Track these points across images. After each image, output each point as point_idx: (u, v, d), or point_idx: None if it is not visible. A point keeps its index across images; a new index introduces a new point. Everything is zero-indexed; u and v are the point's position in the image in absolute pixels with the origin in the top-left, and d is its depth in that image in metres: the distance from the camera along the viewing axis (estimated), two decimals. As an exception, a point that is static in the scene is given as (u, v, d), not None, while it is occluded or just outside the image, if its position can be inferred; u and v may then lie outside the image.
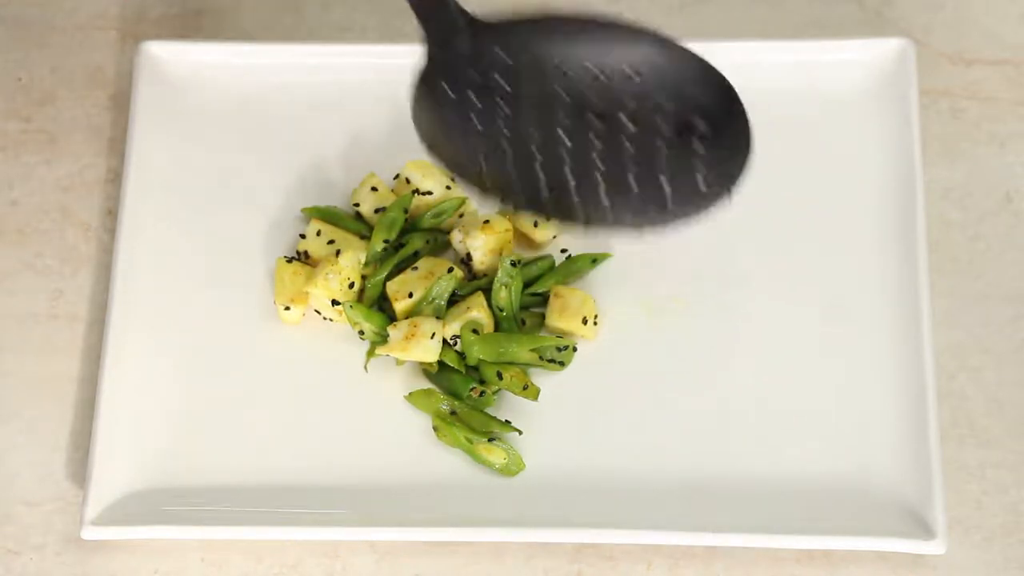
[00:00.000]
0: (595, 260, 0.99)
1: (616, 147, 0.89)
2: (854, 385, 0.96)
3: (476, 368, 0.96)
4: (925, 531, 0.91)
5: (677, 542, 0.91)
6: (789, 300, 0.98)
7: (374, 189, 1.00)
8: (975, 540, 0.93)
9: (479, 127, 0.89)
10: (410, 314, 0.96)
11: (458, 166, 0.91)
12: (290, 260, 0.99)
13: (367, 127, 1.03)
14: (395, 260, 0.98)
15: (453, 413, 0.95)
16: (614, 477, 0.94)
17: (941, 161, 1.03)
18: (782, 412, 0.95)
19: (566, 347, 0.96)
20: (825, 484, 0.93)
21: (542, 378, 0.97)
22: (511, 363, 0.96)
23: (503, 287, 0.97)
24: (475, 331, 0.95)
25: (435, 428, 0.95)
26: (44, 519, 0.95)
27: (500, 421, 0.95)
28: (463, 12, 0.87)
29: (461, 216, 1.00)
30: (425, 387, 0.96)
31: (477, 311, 0.96)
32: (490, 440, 0.94)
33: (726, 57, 1.03)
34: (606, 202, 0.90)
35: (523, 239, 1.00)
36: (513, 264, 0.96)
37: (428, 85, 0.89)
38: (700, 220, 0.90)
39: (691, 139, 0.89)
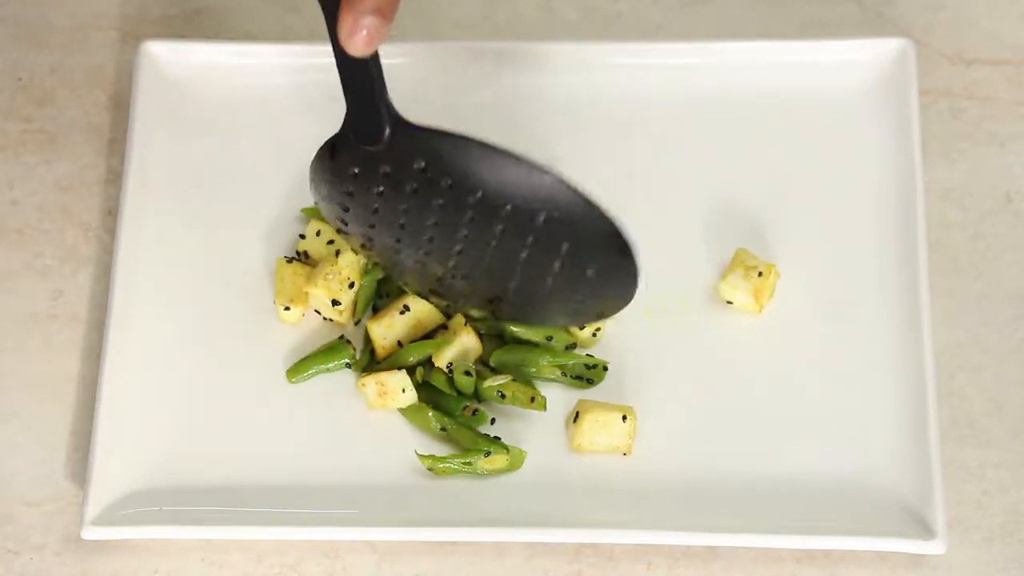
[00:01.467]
0: None
1: (506, 264, 0.91)
2: (854, 385, 0.96)
3: (475, 392, 0.96)
4: (925, 531, 0.91)
5: (677, 542, 0.91)
6: (789, 300, 0.98)
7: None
8: (975, 540, 0.93)
9: (374, 207, 0.90)
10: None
11: (345, 232, 0.94)
12: (290, 260, 0.99)
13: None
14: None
15: (443, 430, 0.95)
16: (615, 477, 0.94)
17: (941, 161, 1.03)
18: (782, 412, 0.95)
19: (595, 365, 0.96)
20: (825, 484, 0.93)
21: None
22: (531, 380, 0.96)
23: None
24: (467, 373, 0.95)
25: (429, 469, 0.94)
26: (44, 519, 0.95)
27: (489, 439, 0.94)
28: (392, 112, 0.87)
29: None
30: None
31: (465, 335, 0.96)
32: (486, 455, 0.94)
33: (726, 57, 1.04)
34: (485, 295, 0.93)
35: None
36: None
37: (335, 154, 0.90)
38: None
39: (579, 279, 0.91)
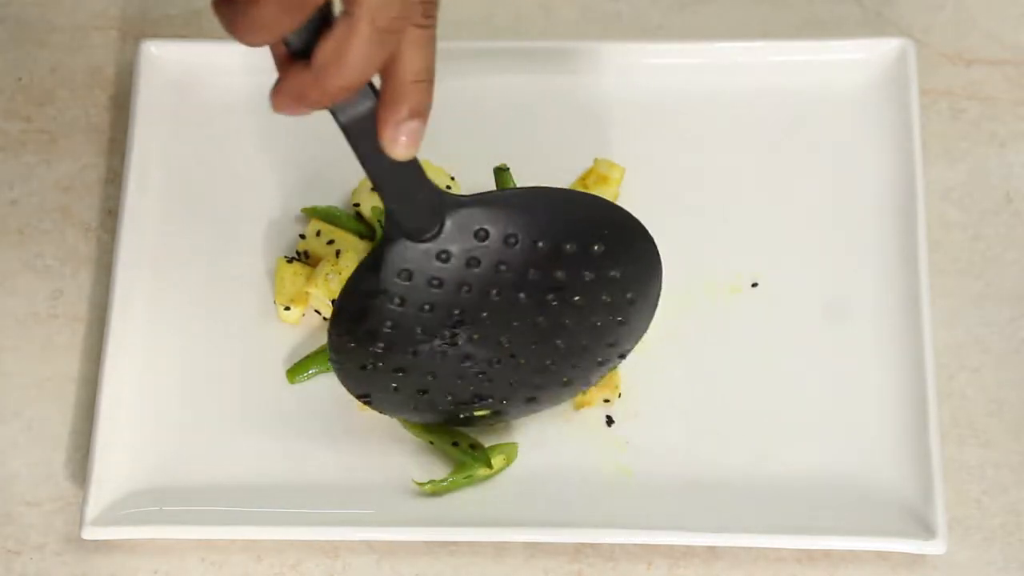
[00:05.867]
0: None
1: (558, 319, 0.89)
2: (854, 385, 0.96)
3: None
4: (925, 531, 0.91)
5: (677, 542, 0.92)
6: (789, 300, 0.98)
7: (374, 189, 1.00)
8: (975, 540, 0.93)
9: (426, 305, 0.87)
10: None
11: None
12: (290, 260, 0.99)
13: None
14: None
15: (432, 442, 0.95)
16: (615, 477, 0.94)
17: (941, 161, 1.03)
18: (782, 412, 0.95)
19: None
20: (825, 484, 0.93)
21: (542, 378, 0.97)
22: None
23: None
24: None
25: (432, 493, 0.94)
26: (44, 519, 0.95)
27: (473, 454, 0.94)
28: (440, 193, 0.84)
29: None
30: None
31: None
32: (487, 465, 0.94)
33: (726, 57, 1.04)
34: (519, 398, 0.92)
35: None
36: None
37: (381, 264, 0.86)
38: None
39: (618, 312, 0.90)
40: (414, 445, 0.95)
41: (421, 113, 0.77)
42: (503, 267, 0.86)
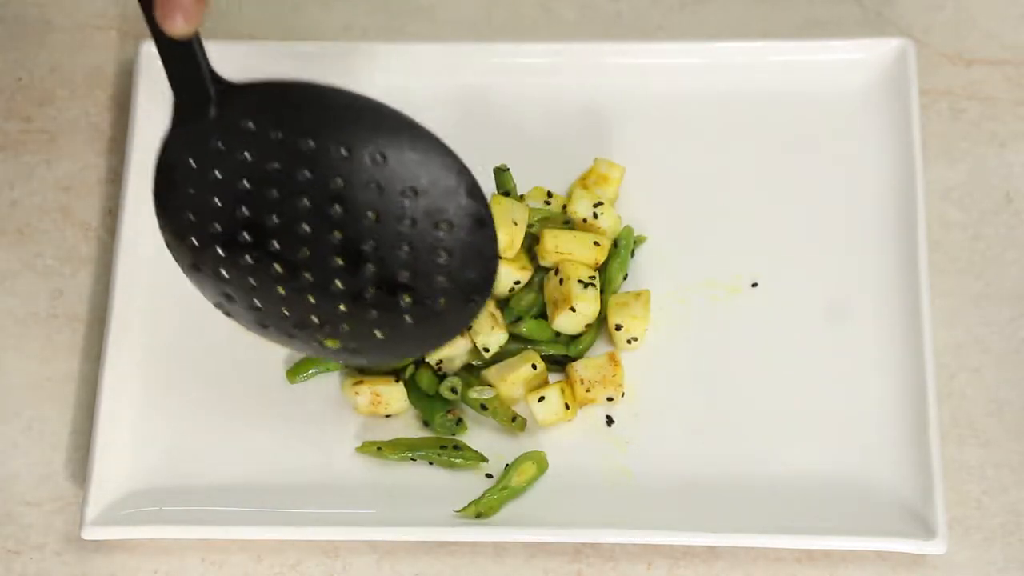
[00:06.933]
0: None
1: (356, 235, 0.83)
2: (854, 385, 0.96)
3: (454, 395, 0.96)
4: (925, 531, 0.91)
5: (677, 542, 0.91)
6: (789, 300, 0.98)
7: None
8: (975, 540, 0.93)
9: (218, 205, 0.84)
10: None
11: (194, 264, 0.87)
12: (290, 260, 0.99)
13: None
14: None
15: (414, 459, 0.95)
16: (615, 477, 0.94)
17: (941, 161, 1.03)
18: (782, 412, 0.95)
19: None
20: (825, 484, 0.93)
21: (542, 378, 0.97)
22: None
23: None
24: (453, 390, 0.95)
25: (478, 515, 0.93)
26: (44, 519, 0.95)
27: (463, 456, 0.94)
28: (216, 77, 0.83)
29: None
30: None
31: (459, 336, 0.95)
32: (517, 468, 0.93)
33: (726, 57, 1.04)
34: (344, 314, 0.86)
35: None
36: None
37: (173, 156, 0.84)
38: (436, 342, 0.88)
39: (433, 245, 0.83)
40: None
41: None
42: (276, 166, 0.83)
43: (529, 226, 0.98)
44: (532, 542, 0.93)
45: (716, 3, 1.09)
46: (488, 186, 1.00)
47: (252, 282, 0.86)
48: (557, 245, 0.97)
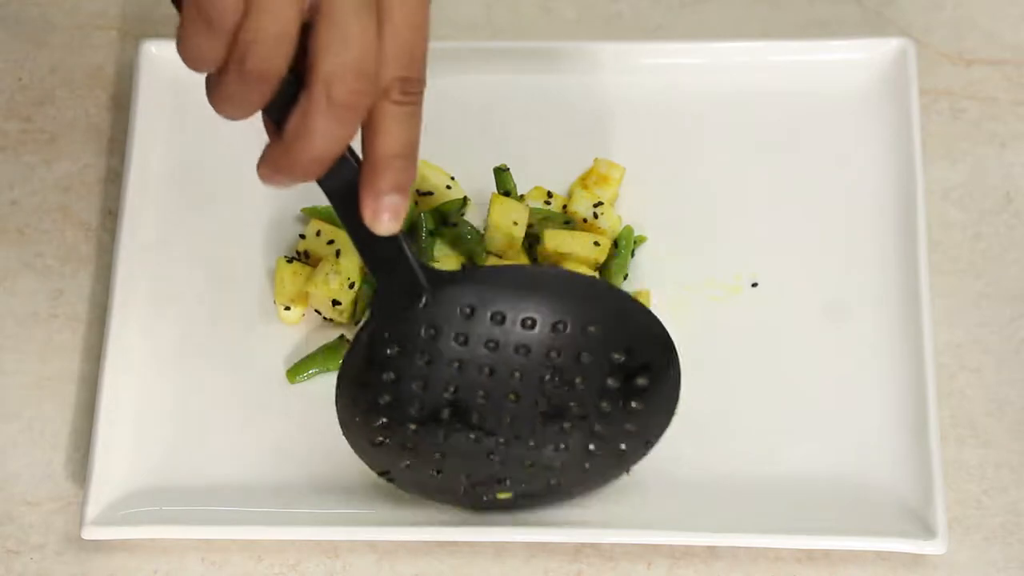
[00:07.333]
0: None
1: (560, 401, 0.87)
2: (854, 385, 0.96)
3: None
4: (925, 531, 0.91)
5: (677, 542, 0.92)
6: (788, 300, 0.98)
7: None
8: (975, 540, 0.93)
9: (421, 387, 0.86)
10: None
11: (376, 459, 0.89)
12: (290, 260, 0.99)
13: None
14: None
15: None
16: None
17: (941, 161, 1.03)
18: (782, 412, 0.95)
19: None
20: (825, 484, 0.93)
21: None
22: None
23: None
24: None
25: None
26: (44, 519, 0.95)
27: None
28: (424, 267, 0.83)
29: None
30: None
31: None
32: None
33: (726, 57, 1.04)
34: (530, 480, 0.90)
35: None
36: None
37: (377, 348, 0.85)
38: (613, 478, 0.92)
39: (630, 397, 0.88)
40: (414, 445, 0.95)
41: (401, 189, 0.76)
42: (491, 345, 0.85)
43: (529, 226, 0.98)
44: (532, 542, 0.93)
45: (716, 3, 1.09)
46: (488, 186, 1.00)
47: (437, 455, 0.89)
48: (557, 245, 0.97)
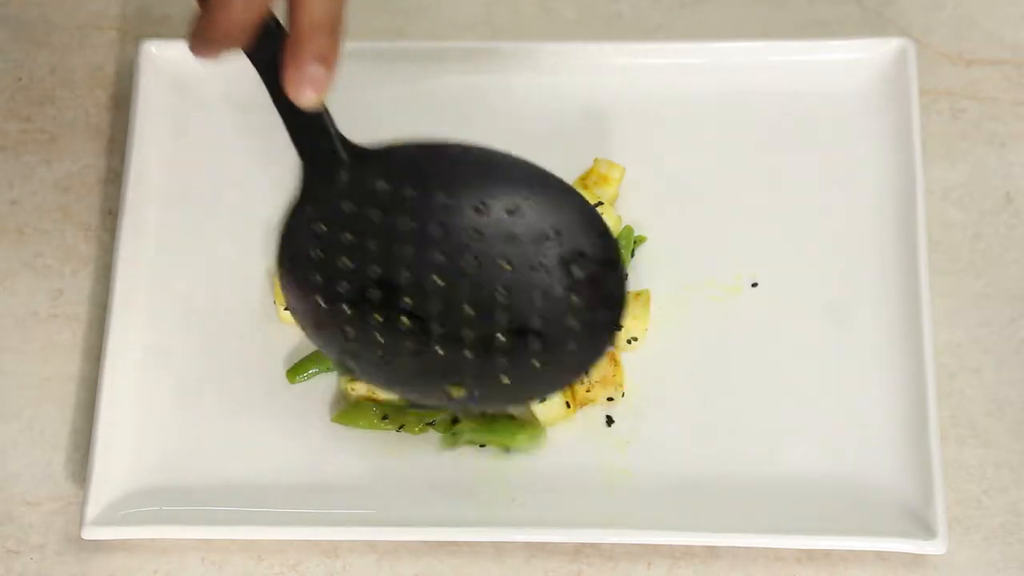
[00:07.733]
0: None
1: (491, 282, 0.86)
2: (854, 385, 0.96)
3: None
4: (925, 531, 0.91)
5: (677, 542, 0.92)
6: (789, 300, 0.98)
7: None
8: (975, 540, 0.93)
9: (350, 265, 0.86)
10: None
11: (317, 323, 0.87)
12: (290, 260, 0.99)
13: (367, 126, 1.03)
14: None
15: (385, 417, 0.95)
16: (615, 477, 0.94)
17: (941, 161, 1.03)
18: (782, 412, 0.95)
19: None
20: (825, 484, 0.93)
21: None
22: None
23: None
24: (454, 434, 0.95)
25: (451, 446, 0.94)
26: (44, 519, 0.95)
27: (453, 429, 0.94)
28: (345, 142, 0.84)
29: None
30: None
31: None
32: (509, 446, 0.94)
33: (726, 57, 1.04)
34: (472, 359, 0.87)
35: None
36: None
37: (298, 219, 0.85)
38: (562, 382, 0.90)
39: (569, 290, 0.86)
40: (416, 444, 0.95)
41: (324, 59, 0.77)
42: (413, 222, 0.84)
43: (529, 226, 0.98)
44: (532, 542, 0.93)
45: (716, 3, 1.09)
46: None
47: (379, 338, 0.87)
48: (557, 245, 0.97)
